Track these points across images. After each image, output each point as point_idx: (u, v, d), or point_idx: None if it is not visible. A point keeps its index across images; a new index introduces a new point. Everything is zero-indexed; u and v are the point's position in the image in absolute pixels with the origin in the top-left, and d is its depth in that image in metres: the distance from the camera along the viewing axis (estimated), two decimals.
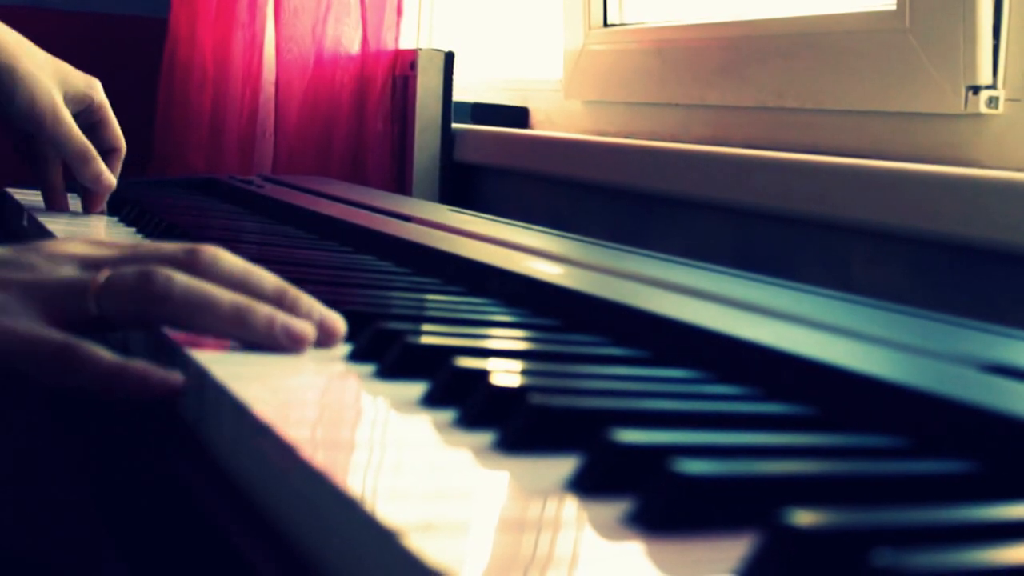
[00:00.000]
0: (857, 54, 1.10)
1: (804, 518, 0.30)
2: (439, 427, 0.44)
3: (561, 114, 1.60)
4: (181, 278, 0.56)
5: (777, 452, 0.40)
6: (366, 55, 1.68)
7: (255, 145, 1.73)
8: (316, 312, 0.57)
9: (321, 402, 0.50)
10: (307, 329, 0.56)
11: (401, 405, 0.47)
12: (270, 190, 1.30)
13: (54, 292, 0.57)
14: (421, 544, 0.31)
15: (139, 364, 0.53)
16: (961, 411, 0.42)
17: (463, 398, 0.46)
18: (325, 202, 1.18)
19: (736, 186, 1.13)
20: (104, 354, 0.53)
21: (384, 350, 0.53)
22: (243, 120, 1.73)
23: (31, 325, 0.55)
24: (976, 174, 0.91)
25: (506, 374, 0.47)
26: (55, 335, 0.54)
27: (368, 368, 0.53)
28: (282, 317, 0.56)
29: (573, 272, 0.75)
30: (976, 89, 0.98)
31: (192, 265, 0.58)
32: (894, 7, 1.06)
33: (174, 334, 0.56)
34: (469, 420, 0.44)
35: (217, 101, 1.74)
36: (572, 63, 1.55)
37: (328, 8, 1.68)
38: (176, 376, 0.53)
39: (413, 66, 1.63)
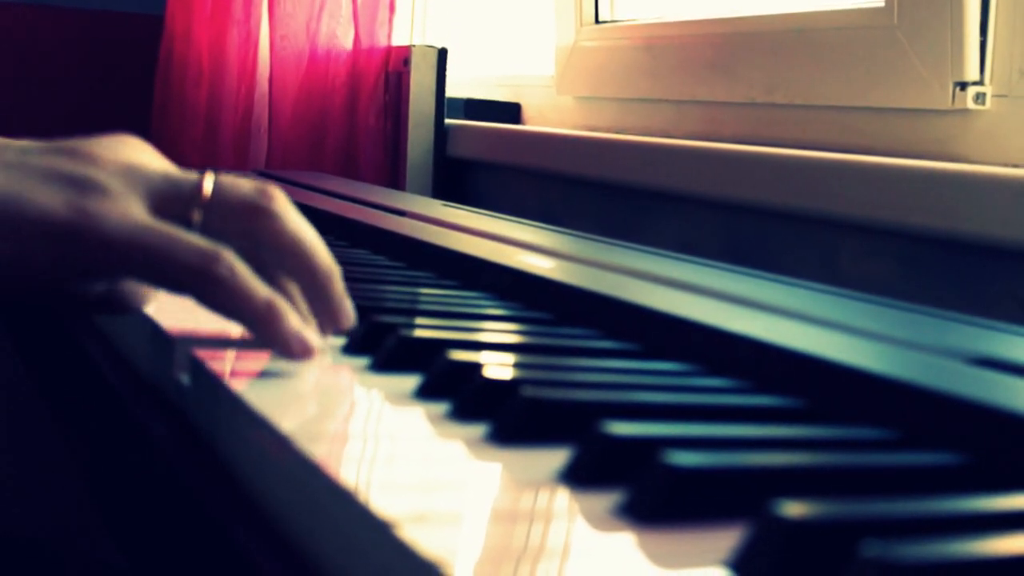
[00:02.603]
0: (846, 50, 1.11)
1: (794, 509, 0.30)
2: (433, 419, 0.44)
3: (553, 110, 1.60)
4: (295, 209, 0.53)
5: (767, 444, 0.40)
6: (359, 52, 1.68)
7: (250, 141, 1.73)
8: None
9: (316, 394, 0.50)
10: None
11: (395, 397, 0.47)
12: None
13: (158, 185, 0.52)
14: (414, 535, 0.31)
15: (289, 313, 0.50)
16: (949, 404, 0.42)
17: (456, 391, 0.46)
18: (319, 197, 1.18)
19: (726, 181, 1.14)
20: (259, 284, 0.50)
21: (378, 343, 0.54)
22: (238, 116, 1.73)
23: (160, 224, 0.50)
24: (963, 169, 0.92)
25: (499, 367, 0.47)
26: (202, 241, 0.50)
27: (362, 361, 0.53)
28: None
29: (565, 266, 0.76)
30: (963, 85, 0.98)
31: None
32: (882, 4, 1.06)
33: (169, 325, 0.56)
34: (462, 412, 0.45)
35: (212, 97, 1.75)
36: (564, 59, 1.55)
37: (322, 5, 1.68)
38: (315, 346, 0.50)
39: (407, 62, 1.63)
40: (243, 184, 0.53)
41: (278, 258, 0.53)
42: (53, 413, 0.64)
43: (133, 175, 0.52)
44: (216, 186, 0.52)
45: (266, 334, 0.50)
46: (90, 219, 0.49)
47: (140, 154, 0.54)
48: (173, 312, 0.58)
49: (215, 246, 0.50)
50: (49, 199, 0.50)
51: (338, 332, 0.55)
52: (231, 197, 0.52)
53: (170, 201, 0.52)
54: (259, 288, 0.50)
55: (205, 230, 0.52)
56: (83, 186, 0.50)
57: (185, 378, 0.52)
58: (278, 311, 0.50)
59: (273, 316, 0.50)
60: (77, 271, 0.51)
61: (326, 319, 0.54)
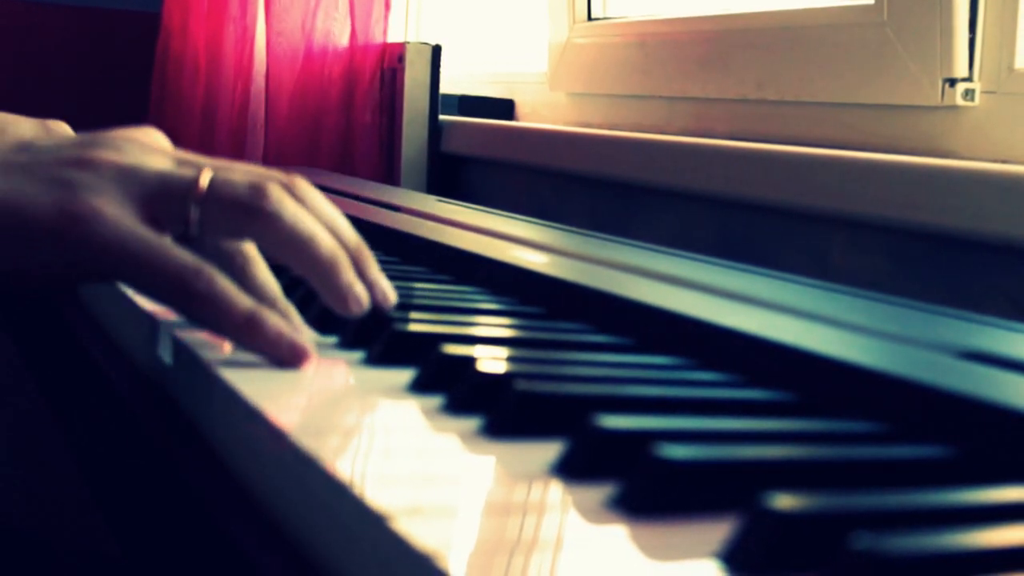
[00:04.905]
0: (836, 47, 1.11)
1: (784, 502, 0.31)
2: (427, 413, 0.44)
3: (546, 106, 1.60)
4: (292, 202, 0.52)
5: (758, 437, 0.41)
6: (354, 48, 1.68)
7: (246, 137, 1.73)
8: (381, 282, 0.56)
9: (311, 388, 0.50)
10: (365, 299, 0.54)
11: (389, 391, 0.47)
12: None
13: (153, 187, 0.52)
14: (409, 528, 0.31)
15: (273, 320, 0.50)
16: (938, 397, 0.42)
17: (450, 384, 0.46)
18: None
19: (718, 177, 1.14)
20: (240, 297, 0.50)
21: (373, 337, 0.54)
22: (234, 112, 1.73)
23: (148, 234, 0.49)
24: (953, 165, 0.92)
25: (492, 361, 0.47)
26: (185, 255, 0.49)
27: (357, 354, 0.53)
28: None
29: (558, 261, 0.76)
30: (952, 82, 0.99)
31: (290, 192, 0.53)
32: (872, 1, 1.07)
33: (162, 316, 0.56)
34: (456, 406, 0.45)
35: (209, 94, 1.74)
36: (557, 56, 1.55)
37: (318, 2, 1.68)
38: (307, 350, 0.50)
39: (401, 59, 1.63)
40: (238, 183, 0.52)
41: (279, 255, 0.53)
42: (53, 410, 0.64)
43: (129, 178, 0.51)
44: (211, 185, 0.52)
45: (250, 345, 0.50)
46: (77, 224, 0.49)
47: (142, 154, 0.53)
48: None
49: (197, 261, 0.50)
50: (40, 202, 0.50)
51: (353, 315, 0.54)
52: (225, 197, 0.52)
53: (165, 202, 0.52)
54: (239, 301, 0.50)
55: (203, 227, 0.52)
56: (75, 191, 0.50)
57: (182, 372, 0.52)
58: (259, 321, 0.50)
59: (254, 327, 0.50)
60: (64, 272, 0.51)
61: (337, 307, 0.54)
